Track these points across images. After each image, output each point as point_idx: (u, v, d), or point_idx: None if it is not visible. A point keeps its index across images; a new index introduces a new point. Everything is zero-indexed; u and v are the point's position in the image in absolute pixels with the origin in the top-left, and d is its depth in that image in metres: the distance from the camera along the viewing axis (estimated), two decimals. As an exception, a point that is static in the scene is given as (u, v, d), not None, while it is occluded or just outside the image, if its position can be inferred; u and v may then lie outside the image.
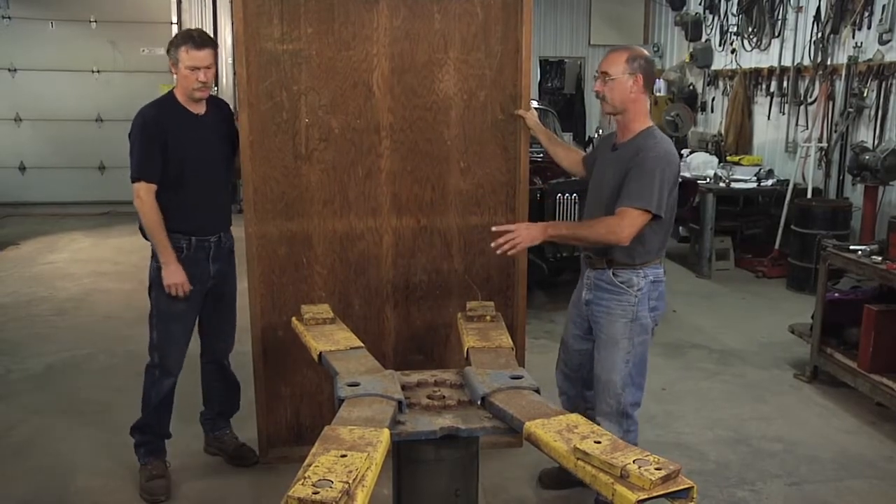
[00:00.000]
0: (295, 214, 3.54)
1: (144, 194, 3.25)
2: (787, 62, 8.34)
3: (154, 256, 3.38)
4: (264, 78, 3.40)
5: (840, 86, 7.46)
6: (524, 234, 2.94)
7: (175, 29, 10.61)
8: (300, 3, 3.38)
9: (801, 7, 8.09)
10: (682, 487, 1.85)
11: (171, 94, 3.36)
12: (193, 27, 10.66)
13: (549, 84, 12.83)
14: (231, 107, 3.64)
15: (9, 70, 10.36)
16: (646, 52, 3.12)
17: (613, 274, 3.06)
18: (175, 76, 3.31)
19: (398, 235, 3.64)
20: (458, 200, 3.65)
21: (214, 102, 3.47)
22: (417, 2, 3.48)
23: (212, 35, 12.09)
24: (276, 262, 3.56)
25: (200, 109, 3.37)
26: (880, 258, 4.40)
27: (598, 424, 3.13)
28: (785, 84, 8.37)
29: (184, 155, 3.30)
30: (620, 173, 2.97)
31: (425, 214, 3.65)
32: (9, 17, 10.24)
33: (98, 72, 10.56)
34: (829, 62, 7.63)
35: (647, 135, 3.01)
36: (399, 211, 3.62)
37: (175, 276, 3.30)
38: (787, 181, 7.69)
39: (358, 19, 3.43)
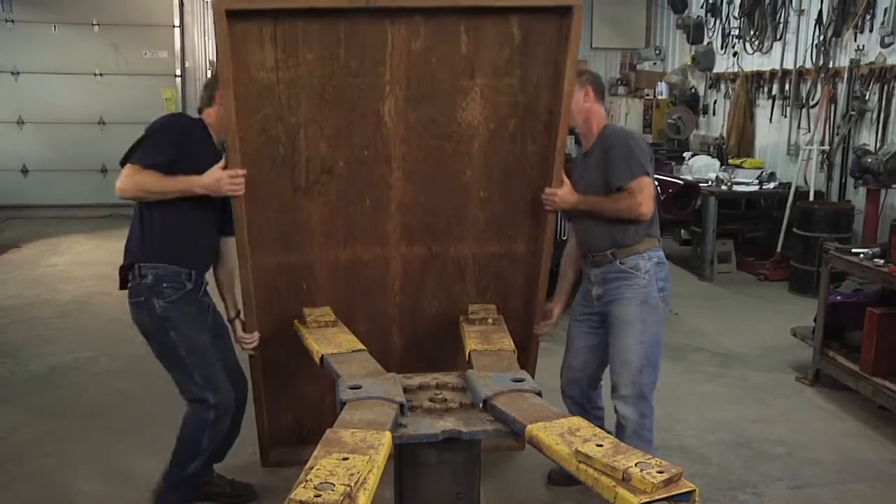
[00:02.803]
0: (293, 247, 3.27)
1: (140, 174, 2.91)
2: (788, 65, 8.33)
3: (144, 302, 3.01)
4: (256, 110, 3.00)
5: (842, 89, 7.45)
6: (560, 197, 3.23)
7: (177, 33, 10.64)
8: (298, 24, 2.91)
9: (803, 10, 8.09)
10: (684, 490, 1.85)
11: (202, 121, 3.11)
12: (196, 32, 10.70)
13: (551, 87, 12.86)
14: None
15: (11, 73, 10.38)
16: (588, 68, 3.33)
17: (620, 263, 3.21)
18: (220, 108, 2.99)
19: (407, 263, 3.39)
20: (475, 230, 3.38)
21: None
22: (441, 22, 3.00)
23: (214, 41, 12.10)
24: (275, 296, 3.31)
25: (218, 147, 3.15)
26: (882, 261, 4.39)
27: (616, 410, 3.25)
28: (787, 87, 8.36)
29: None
30: (600, 170, 3.18)
31: (438, 242, 3.38)
32: (12, 21, 10.26)
33: (100, 75, 10.58)
34: (830, 65, 7.63)
35: (606, 129, 3.24)
36: (409, 240, 3.35)
37: (216, 173, 2.93)
38: (789, 184, 7.68)
39: (369, 42, 2.98)
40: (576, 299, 3.50)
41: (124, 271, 3.08)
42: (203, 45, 10.74)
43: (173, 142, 2.95)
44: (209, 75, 2.83)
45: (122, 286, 3.11)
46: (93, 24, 10.47)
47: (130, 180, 2.92)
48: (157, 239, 3.02)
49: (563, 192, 3.21)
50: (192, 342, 3.04)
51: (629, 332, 3.19)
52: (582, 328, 3.43)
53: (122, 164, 2.96)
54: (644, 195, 3.08)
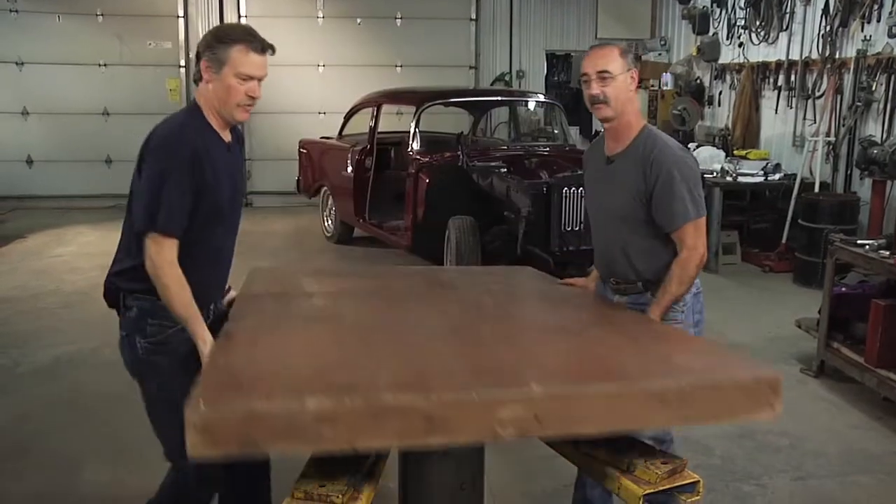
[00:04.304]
0: None
1: (169, 253, 2.33)
2: (794, 56, 8.29)
3: (126, 338, 2.55)
4: None
5: (848, 79, 7.42)
6: None
7: (182, 23, 10.63)
8: None
9: (810, 0, 8.04)
10: (688, 481, 1.86)
11: (196, 109, 2.45)
12: (201, 22, 10.68)
13: (556, 78, 12.81)
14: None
15: (16, 63, 10.38)
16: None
17: (653, 295, 2.72)
18: (209, 84, 2.40)
19: None
20: None
21: (232, 127, 2.60)
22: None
23: None
24: None
25: (227, 136, 2.52)
26: (888, 253, 4.38)
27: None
28: (793, 78, 8.32)
29: (218, 197, 2.43)
30: (629, 187, 2.70)
31: None
32: (16, 11, 10.26)
33: (104, 65, 10.57)
34: (837, 56, 7.59)
35: (648, 140, 2.71)
36: None
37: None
38: (795, 175, 7.65)
39: None
40: None
41: (108, 294, 2.55)
42: (207, 35, 10.73)
43: (188, 180, 2.34)
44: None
45: (110, 304, 2.59)
46: (97, 15, 10.46)
47: (171, 268, 2.33)
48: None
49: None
50: (175, 395, 2.27)
51: None
52: None
53: (143, 231, 2.34)
54: (701, 239, 2.65)
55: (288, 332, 2.24)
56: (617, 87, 2.66)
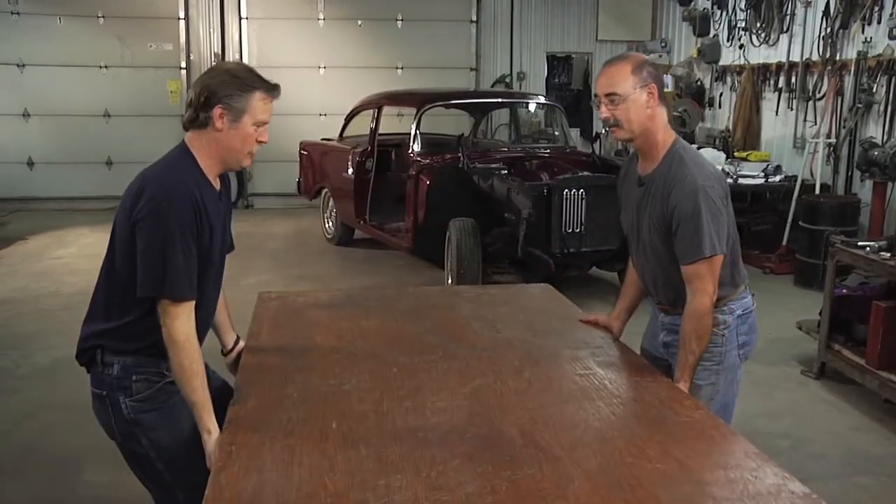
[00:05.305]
0: None
1: (185, 324, 2.17)
2: (795, 57, 8.29)
3: (105, 397, 2.31)
4: None
5: (849, 81, 7.42)
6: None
7: (183, 25, 10.63)
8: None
9: (810, 2, 8.04)
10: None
11: (190, 158, 2.25)
12: (202, 24, 10.68)
13: (557, 80, 12.82)
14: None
15: (17, 65, 10.40)
16: (644, 55, 2.66)
17: None
18: (220, 132, 2.21)
19: None
20: None
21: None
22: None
23: (219, 33, 11.84)
24: None
25: (217, 184, 2.35)
26: (889, 254, 4.38)
27: None
28: (793, 79, 8.32)
29: (211, 255, 2.30)
30: (655, 214, 2.54)
31: None
32: (17, 13, 10.28)
33: (105, 67, 10.58)
34: (837, 57, 7.59)
35: (674, 161, 2.51)
36: None
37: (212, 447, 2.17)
38: (795, 177, 7.65)
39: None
40: (645, 336, 2.92)
41: (84, 355, 2.39)
42: (208, 37, 10.73)
43: (192, 238, 2.19)
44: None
45: (81, 362, 2.41)
46: (98, 17, 10.48)
47: (190, 339, 2.18)
48: (131, 325, 2.27)
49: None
50: (171, 451, 2.29)
51: (695, 396, 2.60)
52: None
53: (150, 297, 2.18)
54: (712, 281, 2.45)
55: (292, 433, 2.09)
56: (628, 109, 2.45)
